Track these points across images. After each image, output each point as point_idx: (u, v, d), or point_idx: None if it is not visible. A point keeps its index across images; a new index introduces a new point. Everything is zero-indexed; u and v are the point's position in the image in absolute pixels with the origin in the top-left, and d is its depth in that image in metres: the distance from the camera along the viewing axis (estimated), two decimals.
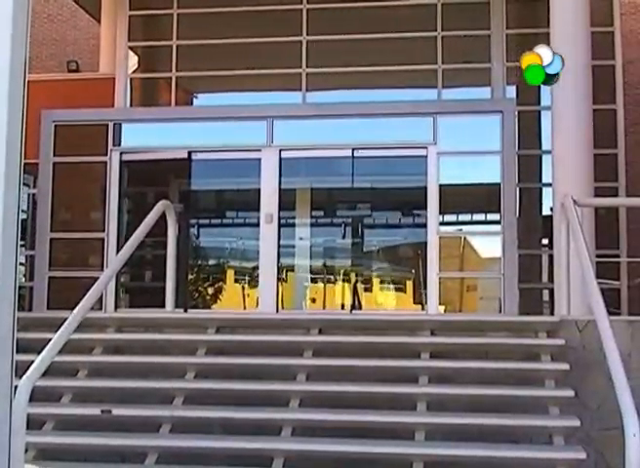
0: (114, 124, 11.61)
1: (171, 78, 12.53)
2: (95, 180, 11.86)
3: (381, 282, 12.81)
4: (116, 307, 11.13)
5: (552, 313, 9.14)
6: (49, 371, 5.48)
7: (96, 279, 6.92)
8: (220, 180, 12.65)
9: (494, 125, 10.67)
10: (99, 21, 13.87)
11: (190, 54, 12.59)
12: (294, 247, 12.35)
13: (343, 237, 12.01)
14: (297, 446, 6.24)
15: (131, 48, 12.72)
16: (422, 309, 11.16)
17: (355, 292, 11.75)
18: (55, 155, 11.50)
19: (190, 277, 12.21)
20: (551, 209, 9.47)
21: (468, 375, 6.80)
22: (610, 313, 5.75)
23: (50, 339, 5.70)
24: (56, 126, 11.53)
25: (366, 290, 12.05)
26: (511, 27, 11.79)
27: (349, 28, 12.04)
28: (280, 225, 11.04)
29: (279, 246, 11.04)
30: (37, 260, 11.39)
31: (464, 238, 12.15)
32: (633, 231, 12.05)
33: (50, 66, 16.92)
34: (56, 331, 5.83)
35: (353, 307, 11.47)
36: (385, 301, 12.81)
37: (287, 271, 12.01)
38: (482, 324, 7.44)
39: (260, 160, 11.10)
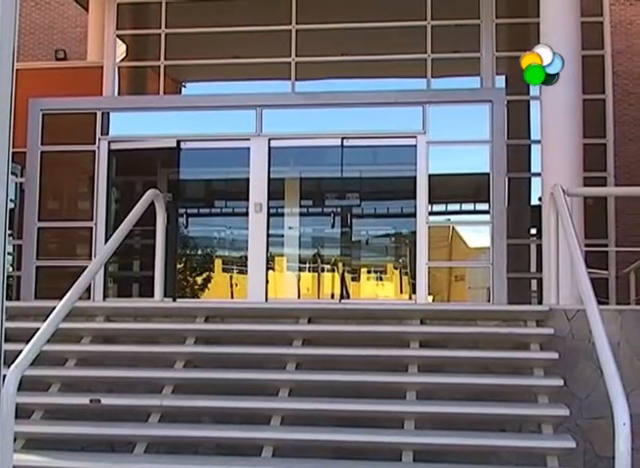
0: (102, 113, 11.57)
1: (159, 67, 12.48)
2: (83, 169, 11.82)
3: (370, 271, 12.80)
4: (105, 296, 11.11)
5: (540, 302, 9.17)
6: (37, 361, 5.45)
7: (84, 268, 6.88)
8: (209, 170, 12.62)
9: (483, 114, 10.68)
10: (87, 10, 13.79)
11: (179, 42, 12.54)
12: (283, 236, 12.34)
13: (333, 226, 12.00)
14: (286, 435, 6.23)
15: (119, 36, 12.67)
16: (410, 299, 11.18)
17: (343, 282, 11.75)
18: (42, 144, 11.45)
19: (179, 266, 12.19)
20: (540, 198, 9.48)
21: (458, 364, 6.81)
22: (598, 302, 5.75)
23: (38, 329, 5.66)
24: (43, 114, 11.48)
25: (355, 279, 12.05)
26: (501, 17, 11.79)
27: (339, 17, 12.02)
28: (269, 215, 11.04)
29: (268, 235, 11.05)
30: (25, 250, 11.35)
31: (453, 228, 12.16)
32: (621, 221, 12.09)
33: (38, 55, 16.85)
34: (44, 321, 5.80)
35: (342, 297, 11.48)
36: (374, 291, 12.81)
37: (276, 260, 12.00)
38: (471, 313, 7.43)
39: (248, 149, 11.09)
